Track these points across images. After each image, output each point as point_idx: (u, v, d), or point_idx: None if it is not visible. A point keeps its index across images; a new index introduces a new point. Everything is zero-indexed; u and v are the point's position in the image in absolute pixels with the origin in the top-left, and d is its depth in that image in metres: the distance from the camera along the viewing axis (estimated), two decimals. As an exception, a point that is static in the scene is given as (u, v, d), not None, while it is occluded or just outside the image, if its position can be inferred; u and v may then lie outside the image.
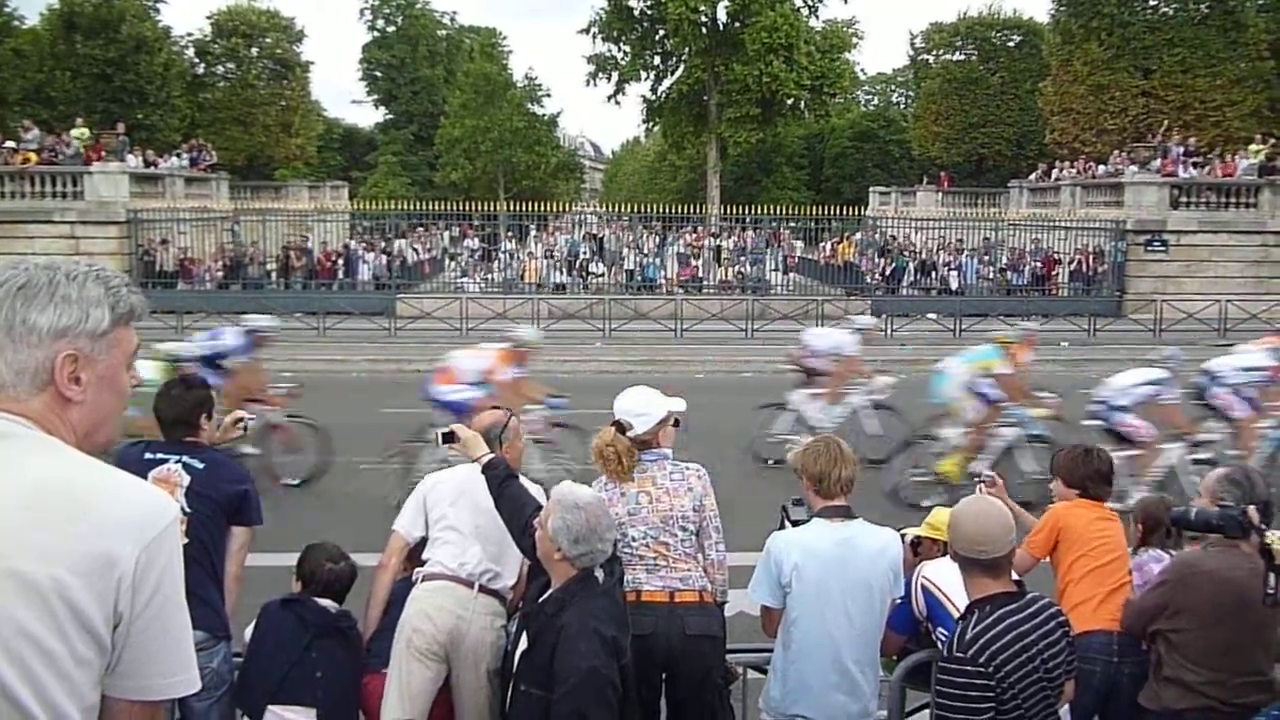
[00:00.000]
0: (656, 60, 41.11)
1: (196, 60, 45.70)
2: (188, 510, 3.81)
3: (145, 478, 3.38)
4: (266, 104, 45.30)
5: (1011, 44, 48.16)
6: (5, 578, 1.48)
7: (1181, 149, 27.59)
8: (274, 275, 25.60)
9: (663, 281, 26.64)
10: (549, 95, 57.67)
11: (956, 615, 3.36)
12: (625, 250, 27.93)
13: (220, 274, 25.12)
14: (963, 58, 48.65)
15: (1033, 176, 35.19)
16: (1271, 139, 27.74)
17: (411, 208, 29.43)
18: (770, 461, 10.36)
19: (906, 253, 28.00)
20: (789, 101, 40.01)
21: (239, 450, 9.09)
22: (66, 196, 24.19)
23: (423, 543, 4.05)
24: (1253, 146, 27.29)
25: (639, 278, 26.68)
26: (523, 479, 3.86)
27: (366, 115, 72.95)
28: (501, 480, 3.71)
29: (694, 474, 4.00)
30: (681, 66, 40.39)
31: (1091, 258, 25.91)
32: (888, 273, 26.80)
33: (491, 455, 3.80)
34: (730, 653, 3.98)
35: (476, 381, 8.96)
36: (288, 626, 3.81)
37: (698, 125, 41.18)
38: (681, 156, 50.14)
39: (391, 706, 3.72)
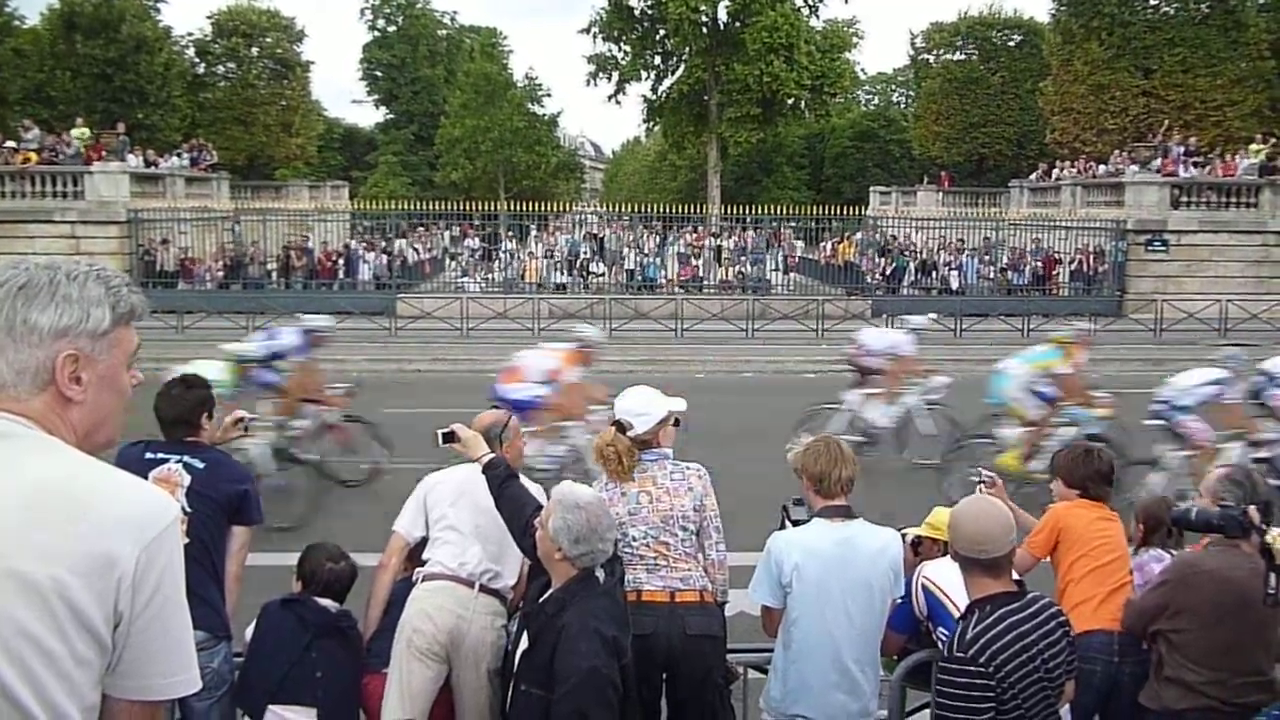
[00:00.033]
0: (657, 60, 41.10)
1: (197, 60, 45.69)
2: (188, 510, 3.81)
3: (146, 477, 3.38)
4: (267, 104, 45.29)
5: (1012, 44, 48.14)
6: (5, 578, 1.48)
7: (1182, 149, 27.58)
8: (274, 275, 25.58)
9: (663, 281, 26.63)
10: (549, 95, 57.79)
11: (957, 615, 3.36)
12: (625, 250, 27.91)
13: (221, 274, 25.12)
14: (963, 57, 48.63)
15: (1033, 176, 35.18)
16: (1272, 139, 27.72)
17: (412, 208, 29.41)
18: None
19: (907, 252, 27.99)
20: (789, 101, 40.01)
21: (303, 455, 9.04)
22: (67, 196, 24.19)
23: (423, 543, 4.06)
24: (1253, 146, 27.28)
25: (639, 277, 26.66)
26: (523, 478, 3.86)
27: (367, 115, 73.13)
28: (502, 480, 3.71)
29: (694, 474, 4.00)
30: (682, 66, 40.37)
31: (1092, 257, 25.90)
32: (888, 272, 26.79)
33: (492, 455, 3.80)
34: (731, 652, 3.98)
35: (543, 381, 8.97)
36: (288, 626, 3.82)
37: (698, 125, 41.17)
38: (682, 156, 50.14)
39: (392, 706, 3.72)
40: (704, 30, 38.57)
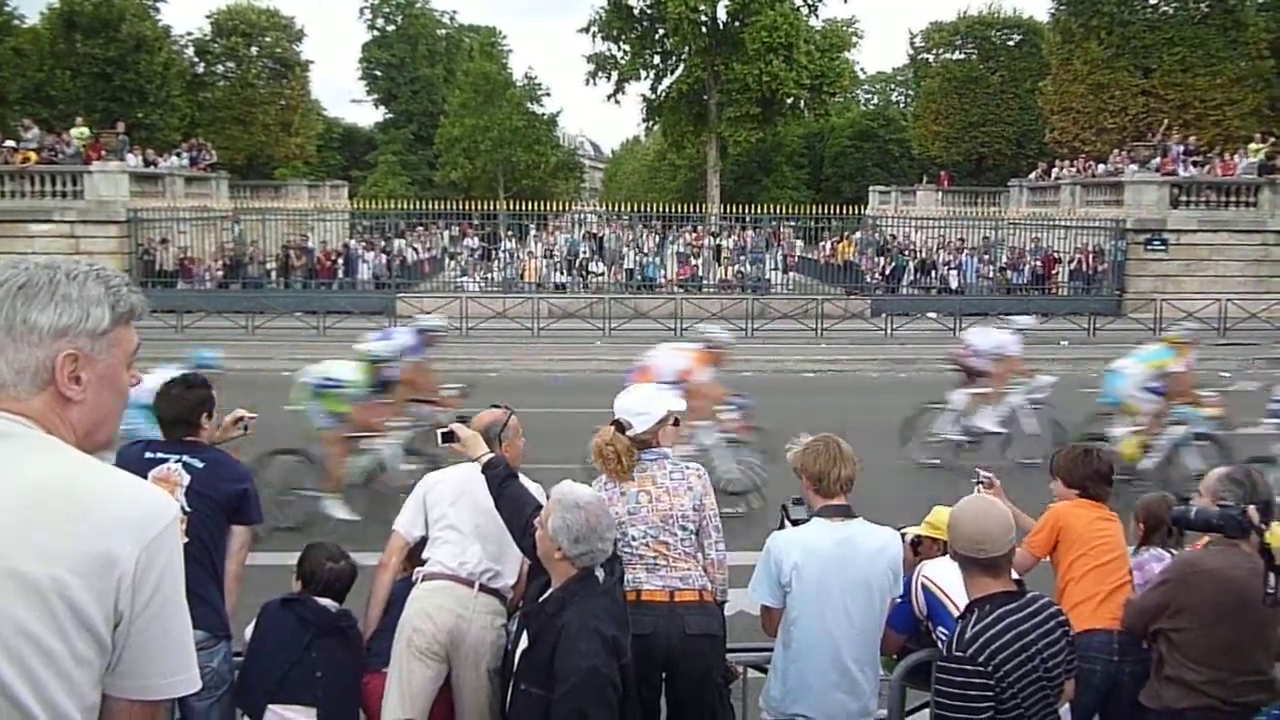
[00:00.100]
0: (656, 59, 41.10)
1: (196, 59, 45.68)
2: (188, 509, 3.81)
3: (145, 477, 3.38)
4: (266, 103, 45.29)
5: (1011, 43, 48.14)
6: (5, 577, 1.48)
7: (1181, 148, 27.59)
8: (274, 274, 25.60)
9: (663, 281, 26.62)
10: (549, 94, 57.72)
11: (956, 614, 3.36)
12: (625, 249, 27.91)
13: (220, 273, 25.13)
14: (963, 57, 48.63)
15: (1033, 175, 35.17)
16: (1271, 138, 27.72)
17: (411, 207, 29.42)
18: (927, 461, 10.49)
19: (906, 252, 28.00)
20: (789, 101, 40.02)
21: (418, 448, 8.91)
22: (66, 196, 24.18)
23: (423, 542, 4.05)
24: (1253, 145, 27.28)
25: (639, 277, 26.66)
26: (522, 478, 3.86)
27: (366, 114, 73.12)
28: (501, 480, 3.70)
29: (694, 473, 4.00)
30: (681, 66, 40.37)
31: (1091, 257, 25.91)
32: (887, 272, 26.81)
33: (491, 454, 3.80)
34: (730, 652, 3.98)
35: (674, 381, 9.01)
36: (288, 626, 3.81)
37: (698, 124, 41.17)
38: (681, 156, 50.14)
39: (392, 706, 3.72)
40: (703, 29, 38.57)
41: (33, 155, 25.01)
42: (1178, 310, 21.62)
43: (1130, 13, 36.94)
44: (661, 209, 27.76)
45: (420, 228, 30.23)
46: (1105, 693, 3.98)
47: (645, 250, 28.20)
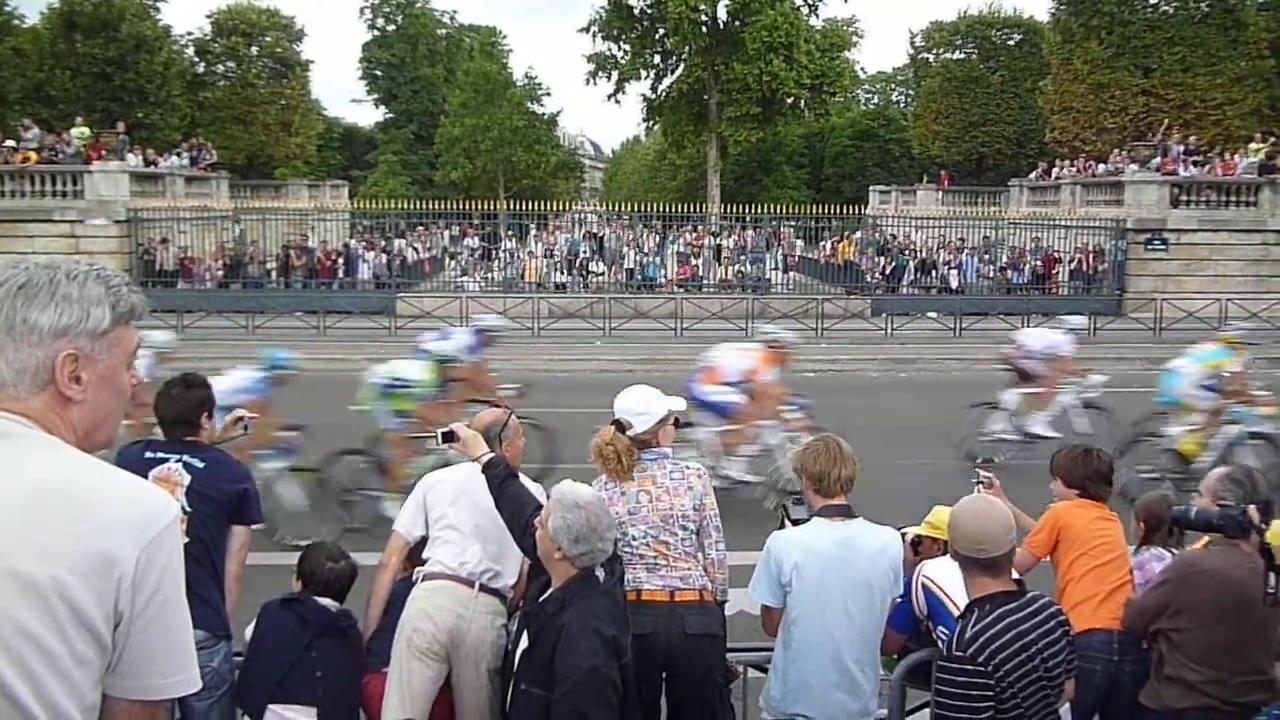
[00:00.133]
0: (656, 59, 41.08)
1: (196, 59, 45.68)
2: (188, 509, 3.82)
3: (145, 477, 3.38)
4: (266, 103, 45.28)
5: (1012, 43, 48.13)
6: (5, 577, 1.48)
7: (1181, 148, 27.57)
8: (274, 274, 25.60)
9: (663, 280, 26.61)
10: (549, 94, 57.73)
11: (957, 614, 3.36)
12: (625, 249, 27.90)
13: (220, 273, 25.13)
14: (963, 56, 48.63)
15: (1033, 175, 35.18)
16: (1272, 138, 27.71)
17: (411, 207, 29.42)
18: (980, 460, 10.45)
19: (906, 251, 27.99)
20: (789, 100, 40.00)
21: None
22: (66, 195, 24.18)
23: (423, 542, 4.05)
24: (1253, 145, 27.27)
25: (639, 277, 26.65)
26: (522, 478, 3.86)
27: (366, 114, 73.25)
28: (501, 479, 3.70)
29: (694, 473, 4.00)
30: (681, 65, 40.35)
31: (1092, 256, 25.90)
32: (888, 271, 26.80)
33: (491, 454, 3.80)
34: (731, 651, 3.98)
35: (738, 381, 9.04)
36: (288, 626, 3.81)
37: (698, 124, 41.16)
38: (681, 155, 50.13)
39: (392, 706, 3.72)
40: (703, 29, 38.55)
41: (33, 155, 25.01)
42: (1178, 310, 21.62)
43: (1130, 12, 36.93)
44: (661, 209, 27.74)
45: (420, 227, 30.23)
46: (1105, 692, 3.98)
47: (645, 250, 28.20)
